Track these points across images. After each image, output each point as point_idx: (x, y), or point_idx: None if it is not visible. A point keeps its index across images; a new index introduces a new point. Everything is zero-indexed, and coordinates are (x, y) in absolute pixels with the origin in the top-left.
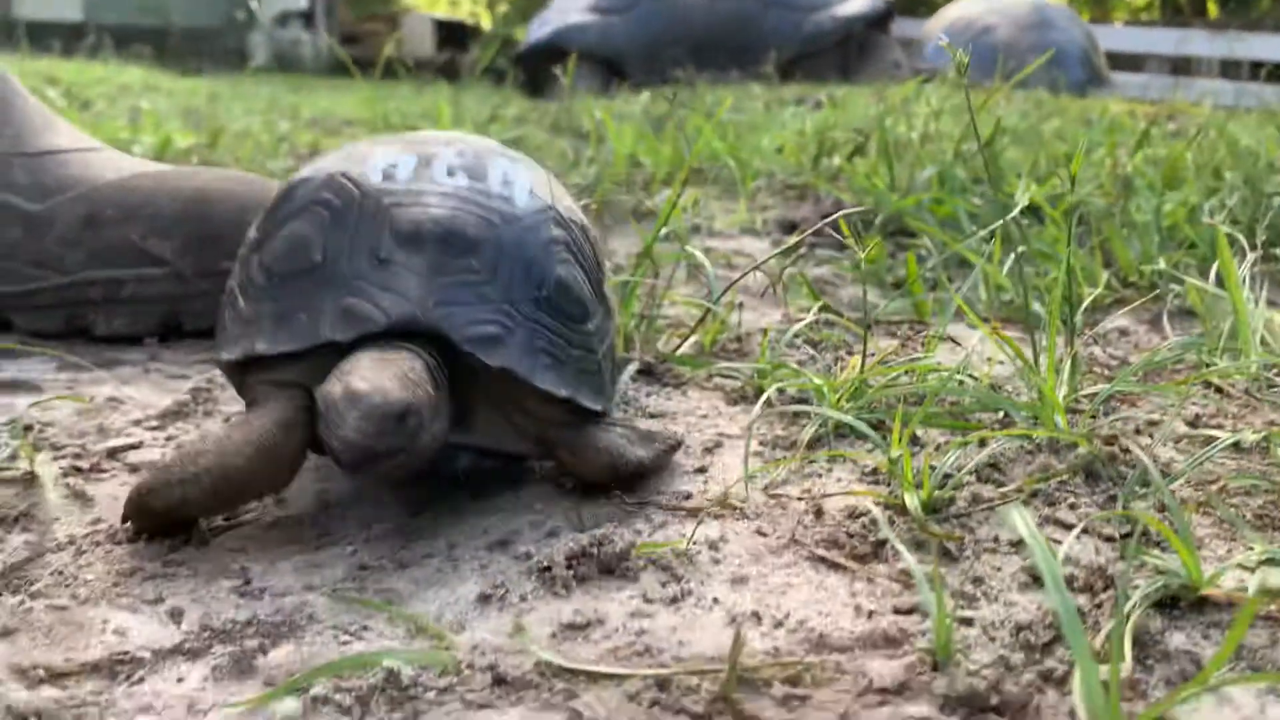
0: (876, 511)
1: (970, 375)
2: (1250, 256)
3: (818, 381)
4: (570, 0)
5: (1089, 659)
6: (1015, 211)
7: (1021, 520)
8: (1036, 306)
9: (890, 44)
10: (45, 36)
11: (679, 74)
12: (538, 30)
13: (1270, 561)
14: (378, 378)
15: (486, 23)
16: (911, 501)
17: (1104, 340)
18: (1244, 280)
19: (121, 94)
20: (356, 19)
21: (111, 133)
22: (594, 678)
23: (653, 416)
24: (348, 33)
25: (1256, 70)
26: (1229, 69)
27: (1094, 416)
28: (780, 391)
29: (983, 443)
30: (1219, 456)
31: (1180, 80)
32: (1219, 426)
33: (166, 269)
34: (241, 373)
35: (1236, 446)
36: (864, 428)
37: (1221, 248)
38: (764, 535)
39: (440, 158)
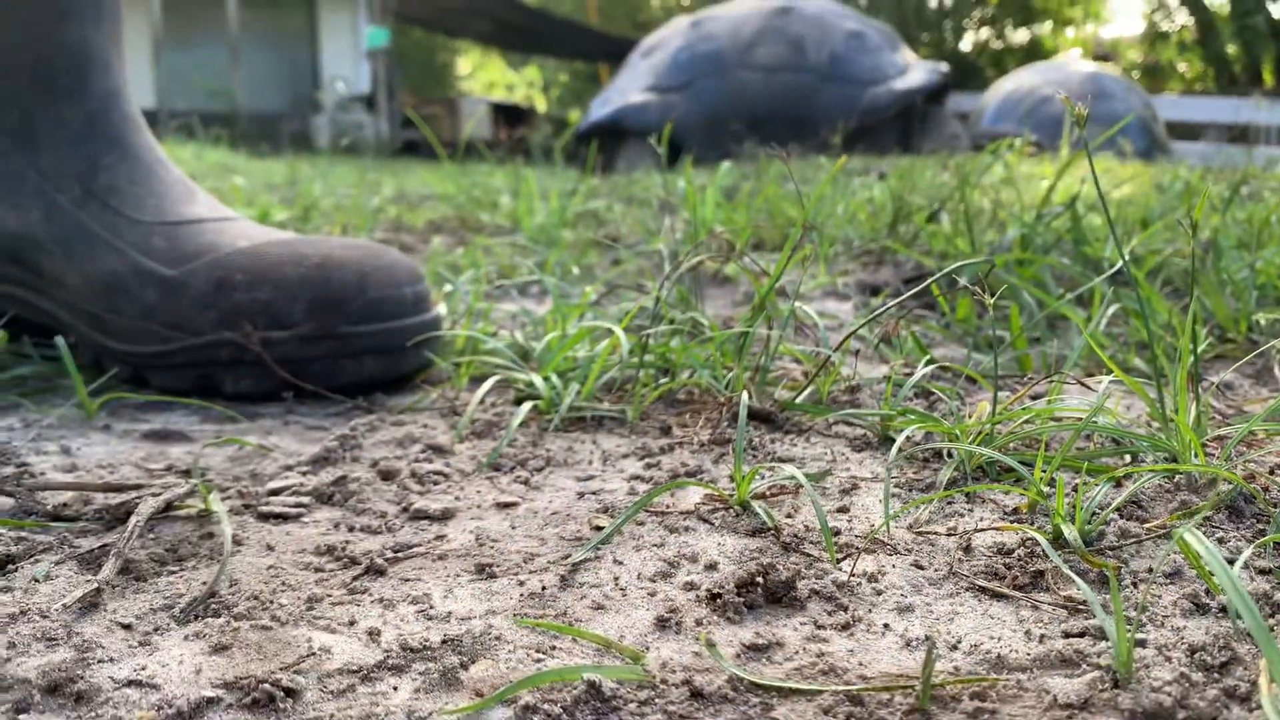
0: (1042, 540)
1: (1096, 421)
2: None
3: (947, 425)
4: (629, 80)
5: None
6: (1113, 269)
7: (1197, 540)
8: (1137, 360)
9: (948, 116)
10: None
11: (738, 149)
12: (599, 109)
13: None
14: None
15: (541, 106)
16: (1070, 533)
17: (1211, 392)
18: None
19: (202, 174)
20: (416, 103)
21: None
22: (785, 693)
23: (781, 461)
24: (407, 116)
25: None
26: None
27: (1228, 457)
28: (908, 438)
29: (1119, 483)
30: None
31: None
32: None
33: (291, 332)
34: None
35: None
36: (1013, 463)
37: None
38: (921, 569)
39: None
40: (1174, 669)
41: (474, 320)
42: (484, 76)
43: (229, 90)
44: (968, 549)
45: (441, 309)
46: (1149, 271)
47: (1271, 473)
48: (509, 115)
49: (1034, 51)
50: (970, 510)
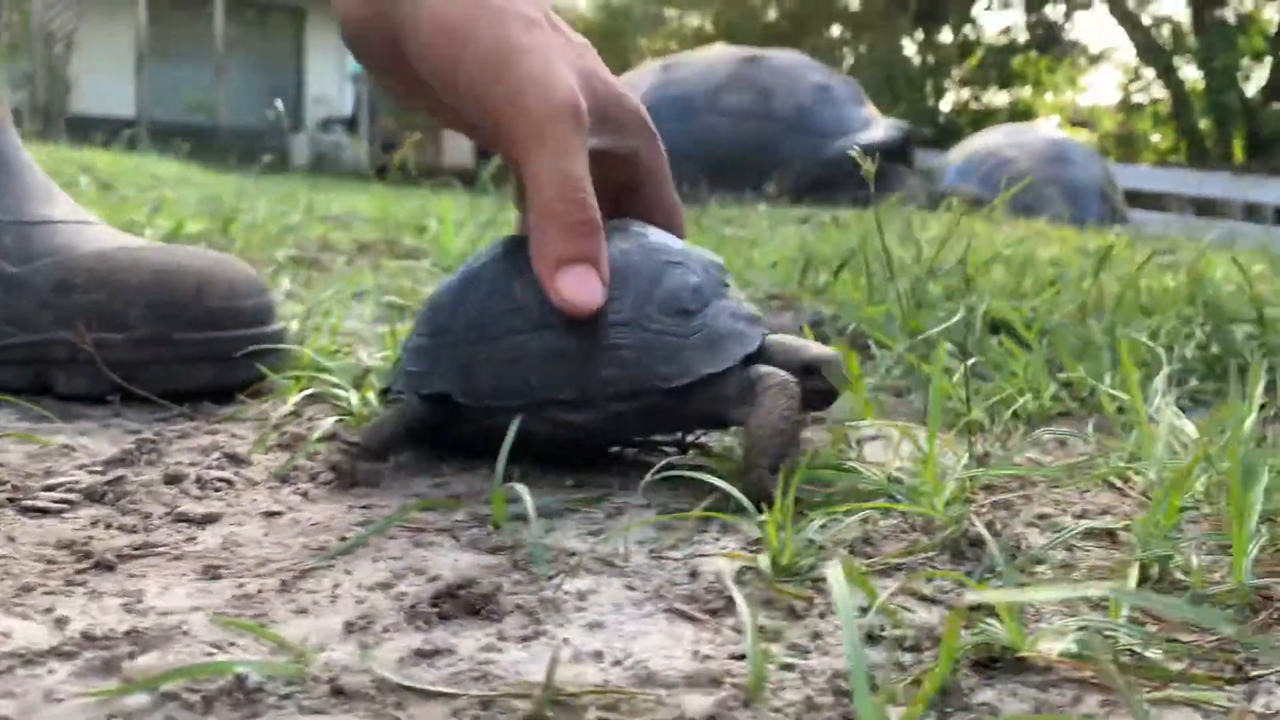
0: (725, 568)
1: (864, 463)
2: (1167, 370)
3: (714, 458)
4: None
5: (866, 698)
6: (947, 321)
7: (835, 575)
8: (979, 411)
9: (906, 173)
10: (95, 131)
11: (700, 192)
12: None
13: (1084, 629)
14: (823, 346)
15: None
16: (763, 562)
17: (1041, 446)
18: (1159, 393)
19: (154, 184)
20: (399, 128)
21: (127, 215)
22: (427, 695)
23: (577, 486)
24: (389, 140)
25: None
26: (1254, 212)
27: (968, 501)
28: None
29: (868, 520)
30: (1087, 544)
31: (1202, 222)
32: (1101, 518)
33: (125, 335)
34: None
35: (1111, 536)
36: (741, 497)
37: (1123, 359)
38: (632, 590)
39: (646, 227)
40: (805, 691)
41: (325, 336)
42: None
43: (210, 104)
44: (693, 574)
45: (294, 324)
46: (1040, 330)
47: (1002, 520)
48: None
49: (1013, 114)
50: (718, 539)
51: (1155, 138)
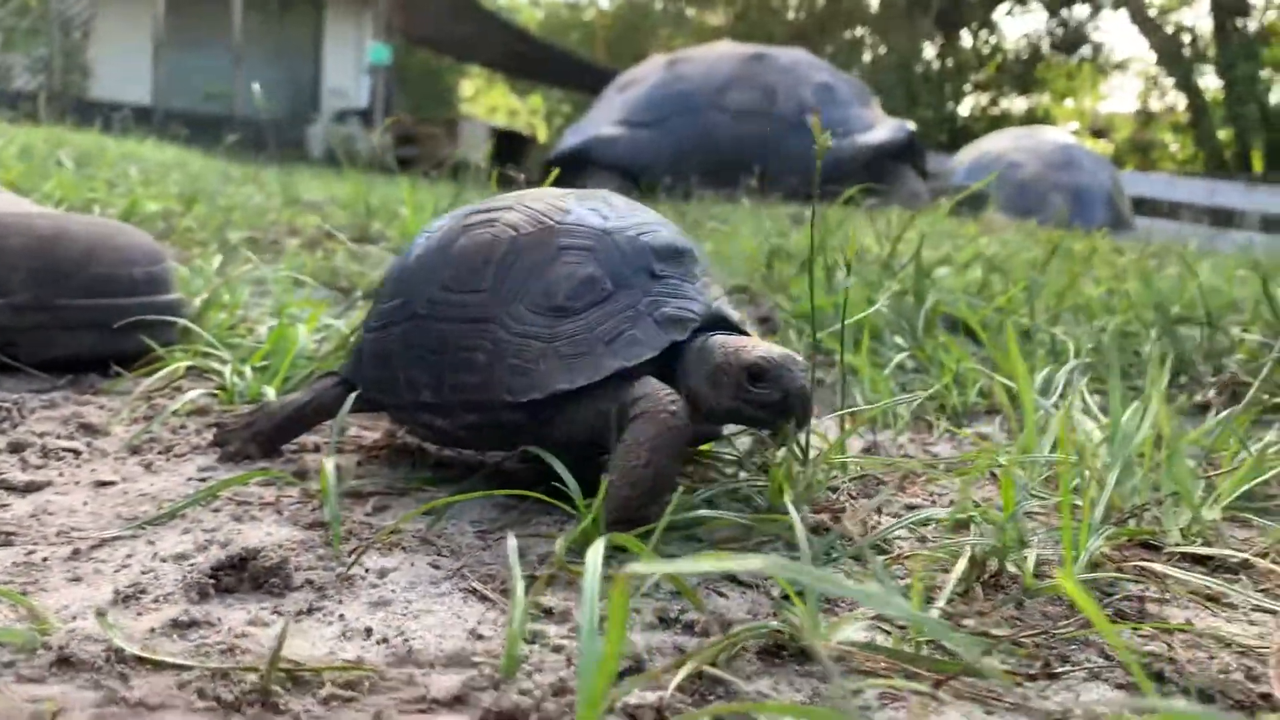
0: (511, 544)
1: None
2: (1073, 363)
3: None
4: (603, 113)
5: (591, 678)
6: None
7: (592, 554)
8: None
9: (911, 175)
10: (112, 117)
11: (701, 189)
12: (570, 139)
13: (880, 619)
14: (776, 346)
15: (542, 134)
16: (559, 545)
17: (957, 441)
18: (1063, 388)
19: (159, 168)
20: (414, 121)
21: (84, 192)
22: (159, 666)
23: (441, 466)
24: (404, 133)
25: None
26: (1270, 224)
27: (833, 490)
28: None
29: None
30: (927, 534)
31: (1211, 230)
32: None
33: (6, 300)
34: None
35: (963, 525)
36: (566, 474)
37: (1011, 348)
38: (436, 569)
39: (612, 199)
40: (560, 674)
41: (223, 311)
42: (487, 101)
43: (226, 94)
44: (504, 555)
45: (201, 297)
46: (980, 324)
47: (839, 510)
48: (509, 141)
49: (1031, 120)
50: (563, 525)
51: (1173, 147)
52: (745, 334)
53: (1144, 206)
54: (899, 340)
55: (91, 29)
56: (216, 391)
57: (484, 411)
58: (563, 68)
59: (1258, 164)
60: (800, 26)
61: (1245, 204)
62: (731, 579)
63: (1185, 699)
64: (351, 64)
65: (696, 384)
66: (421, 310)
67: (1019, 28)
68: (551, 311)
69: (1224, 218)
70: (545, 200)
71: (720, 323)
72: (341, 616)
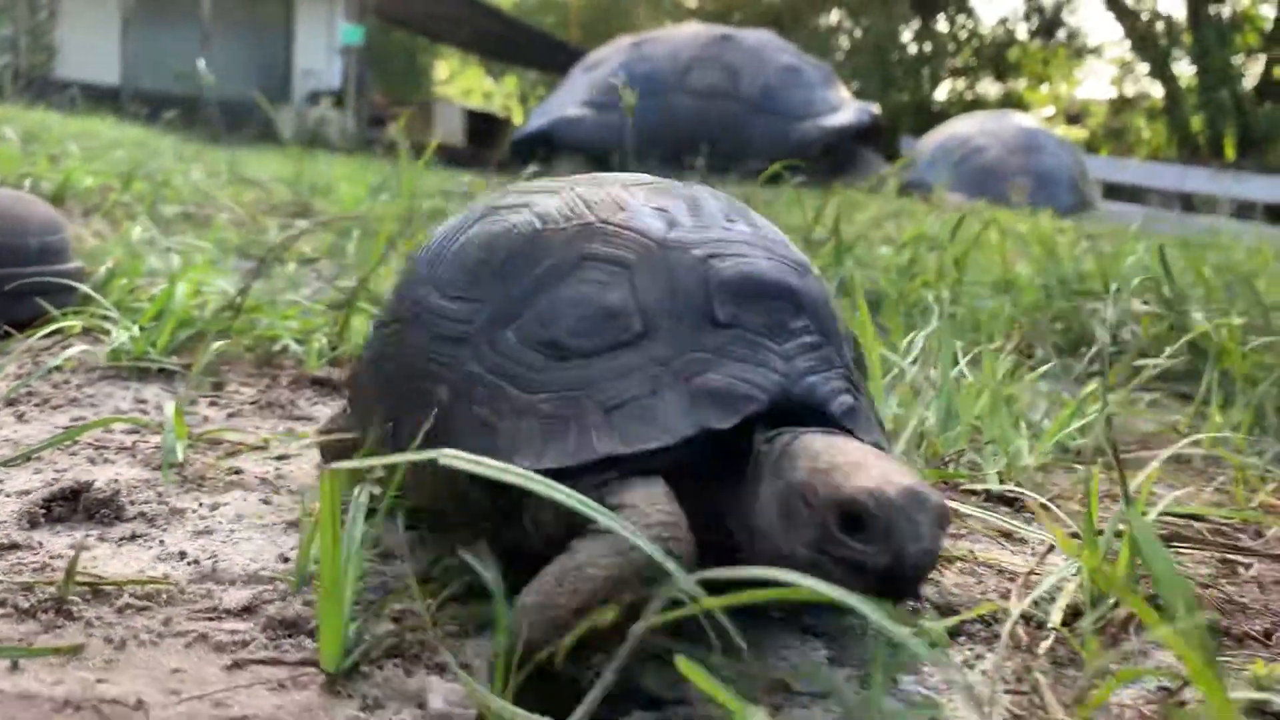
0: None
1: None
2: (925, 330)
3: None
4: (568, 94)
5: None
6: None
7: (326, 479)
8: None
9: (873, 158)
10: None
11: (664, 170)
12: (535, 120)
13: None
14: (898, 469)
15: (517, 117)
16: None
17: None
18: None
19: (113, 145)
20: (388, 103)
21: (17, 166)
22: None
23: (299, 419)
24: (377, 115)
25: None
26: (1244, 210)
27: None
28: None
29: None
30: None
31: (1175, 214)
32: None
33: None
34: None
35: None
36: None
37: (860, 307)
38: (267, 504)
39: (704, 199)
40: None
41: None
42: (462, 83)
43: (197, 74)
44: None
45: (108, 265)
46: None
47: None
48: (483, 122)
49: (1007, 105)
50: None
51: (1147, 133)
52: (860, 438)
53: (1116, 192)
54: None
55: (59, 7)
56: (91, 348)
57: (432, 464)
58: (538, 49)
59: (1230, 151)
60: (776, 10)
61: (1215, 189)
62: None
63: (934, 613)
64: (323, 45)
65: (759, 511)
66: (405, 314)
67: (995, 12)
68: (545, 348)
69: (1193, 203)
70: (608, 187)
71: (815, 414)
72: (162, 542)
